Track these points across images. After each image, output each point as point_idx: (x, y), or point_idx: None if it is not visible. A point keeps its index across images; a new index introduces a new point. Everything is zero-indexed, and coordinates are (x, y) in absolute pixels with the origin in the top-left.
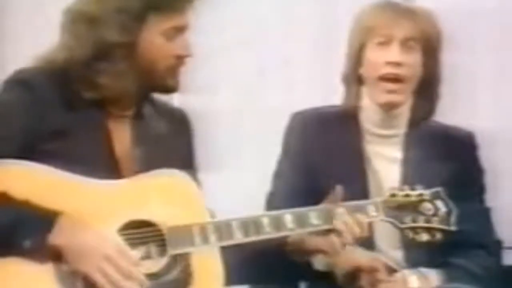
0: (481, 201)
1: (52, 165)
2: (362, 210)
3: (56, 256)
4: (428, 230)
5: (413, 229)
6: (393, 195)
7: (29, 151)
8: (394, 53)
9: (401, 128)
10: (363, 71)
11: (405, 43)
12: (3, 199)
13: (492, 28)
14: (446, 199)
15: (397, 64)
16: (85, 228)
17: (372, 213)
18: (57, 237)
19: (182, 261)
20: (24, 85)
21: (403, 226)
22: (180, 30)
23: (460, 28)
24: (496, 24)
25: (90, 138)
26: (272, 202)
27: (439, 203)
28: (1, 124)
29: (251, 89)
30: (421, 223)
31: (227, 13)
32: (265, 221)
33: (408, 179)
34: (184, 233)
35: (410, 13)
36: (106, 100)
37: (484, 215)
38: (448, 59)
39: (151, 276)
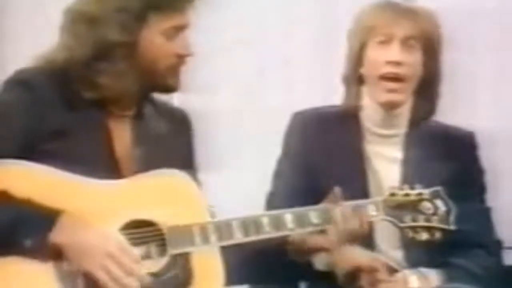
0: (481, 201)
1: (52, 165)
2: (362, 209)
3: (57, 254)
4: (428, 229)
5: (413, 228)
6: (392, 195)
7: (29, 151)
8: (394, 52)
9: (401, 127)
10: (364, 70)
11: (405, 42)
12: (4, 198)
13: (492, 28)
14: (446, 198)
15: (398, 64)
16: (86, 226)
17: (372, 212)
18: (59, 236)
19: (182, 261)
20: (24, 85)
21: (402, 225)
22: (180, 29)
23: (460, 28)
24: (496, 24)
25: (90, 138)
26: (272, 202)
27: (439, 202)
28: (1, 124)
29: (251, 89)
30: (421, 222)
31: (227, 13)
32: (265, 220)
33: (408, 179)
34: (184, 233)
35: (410, 13)
36: (106, 100)
37: (484, 215)
38: (448, 59)
39: (151, 276)
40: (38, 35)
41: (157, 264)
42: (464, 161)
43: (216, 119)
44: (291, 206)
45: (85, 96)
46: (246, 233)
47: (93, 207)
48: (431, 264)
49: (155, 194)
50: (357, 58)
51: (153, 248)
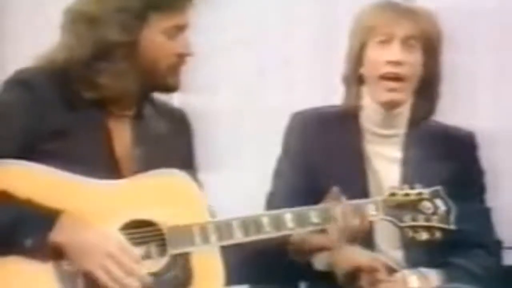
0: (481, 201)
1: (52, 165)
2: (362, 209)
3: (57, 254)
4: (428, 228)
5: (413, 227)
6: (392, 194)
7: (29, 151)
8: (394, 52)
9: (401, 127)
10: (364, 70)
11: (405, 42)
12: (4, 198)
13: (492, 28)
14: (446, 197)
15: (398, 63)
16: (86, 226)
17: (372, 212)
18: (59, 235)
19: (182, 261)
20: (24, 85)
21: (402, 224)
22: (181, 28)
23: (460, 28)
24: (496, 24)
25: (90, 138)
26: (272, 202)
27: (439, 202)
28: (1, 124)
29: (251, 89)
30: (421, 222)
31: (228, 13)
32: (265, 220)
33: (408, 179)
34: (184, 233)
35: (410, 13)
36: (106, 100)
37: (484, 215)
38: (448, 59)
39: (151, 276)
40: (38, 35)
41: (157, 264)
42: (464, 161)
43: (216, 119)
44: (291, 206)
45: (85, 96)
46: (246, 233)
47: (93, 207)
48: (431, 264)
49: (155, 194)
50: (357, 58)
51: (153, 248)
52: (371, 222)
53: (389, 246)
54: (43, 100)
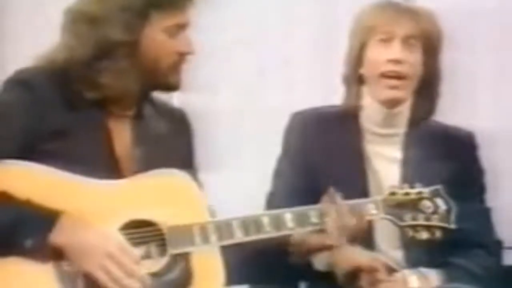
0: (481, 201)
1: (52, 165)
2: (359, 208)
3: (57, 255)
4: (428, 228)
5: (413, 227)
6: (392, 193)
7: (29, 151)
8: (395, 50)
9: (401, 127)
10: (364, 70)
11: (406, 41)
12: (4, 198)
13: (492, 28)
14: (446, 197)
15: (398, 62)
16: (86, 227)
17: (372, 211)
18: (59, 236)
19: (182, 261)
20: (24, 85)
21: (402, 224)
22: (182, 27)
23: (460, 28)
24: (496, 24)
25: (90, 138)
26: (272, 202)
27: (439, 201)
28: (1, 124)
29: (251, 89)
30: (421, 221)
31: (228, 12)
32: (265, 220)
33: (408, 179)
34: (185, 233)
35: (410, 13)
36: (107, 99)
37: (484, 215)
38: (448, 59)
39: (151, 275)
40: (38, 35)
41: (157, 264)
42: (464, 161)
43: (216, 119)
44: (291, 206)
45: (86, 96)
46: (247, 232)
47: (93, 207)
48: (431, 264)
49: (155, 194)
50: (357, 58)
51: (153, 248)
52: (370, 222)
53: (389, 246)
54: (43, 100)
